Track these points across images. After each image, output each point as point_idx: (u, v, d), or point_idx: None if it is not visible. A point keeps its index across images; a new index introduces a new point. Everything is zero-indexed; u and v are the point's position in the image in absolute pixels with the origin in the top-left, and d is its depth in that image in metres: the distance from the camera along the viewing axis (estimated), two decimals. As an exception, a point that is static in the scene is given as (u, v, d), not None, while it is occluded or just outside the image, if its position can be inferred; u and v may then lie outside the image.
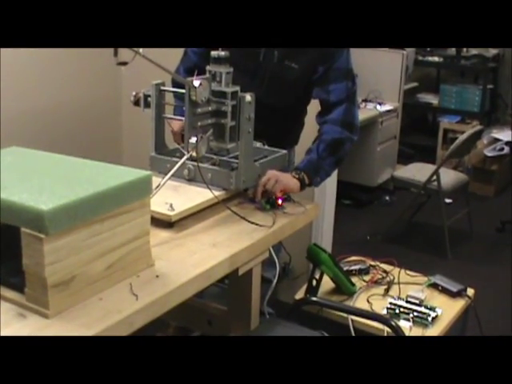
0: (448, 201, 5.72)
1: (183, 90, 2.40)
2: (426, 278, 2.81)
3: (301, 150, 2.86)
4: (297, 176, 2.59)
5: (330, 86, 2.72)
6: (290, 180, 2.56)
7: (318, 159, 2.67)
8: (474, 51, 7.45)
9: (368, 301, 2.63)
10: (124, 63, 2.07)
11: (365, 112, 5.79)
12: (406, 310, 2.55)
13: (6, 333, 1.57)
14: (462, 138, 5.34)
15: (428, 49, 7.56)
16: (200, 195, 2.39)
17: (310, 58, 2.68)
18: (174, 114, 2.70)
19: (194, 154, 2.38)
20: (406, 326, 2.50)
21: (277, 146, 2.70)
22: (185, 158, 2.40)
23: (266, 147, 2.70)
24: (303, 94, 2.83)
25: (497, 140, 6.66)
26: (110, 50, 2.01)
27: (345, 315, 2.52)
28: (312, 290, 2.66)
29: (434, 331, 2.51)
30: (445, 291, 2.73)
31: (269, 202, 2.46)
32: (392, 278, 2.80)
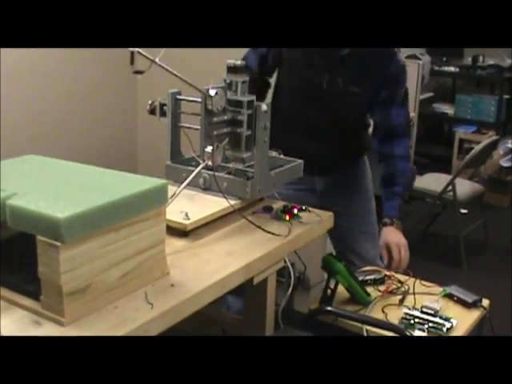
0: (463, 211, 5.70)
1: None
2: (441, 289, 2.80)
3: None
4: (400, 226, 2.89)
5: (392, 109, 2.87)
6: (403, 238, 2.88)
7: (402, 200, 2.95)
8: (490, 61, 7.43)
9: (383, 311, 2.61)
10: (140, 72, 2.07)
11: (380, 122, 5.78)
12: (421, 321, 2.53)
13: (21, 340, 1.57)
14: (477, 148, 5.33)
15: (444, 58, 7.55)
16: (215, 204, 2.39)
17: (373, 82, 2.77)
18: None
19: (210, 162, 2.38)
20: (421, 337, 2.49)
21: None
22: (200, 166, 2.41)
23: (282, 156, 2.70)
24: (367, 111, 2.91)
25: (513, 150, 6.64)
26: (127, 59, 2.02)
27: (360, 325, 2.51)
28: (327, 300, 2.65)
29: (449, 342, 2.49)
30: (460, 302, 2.71)
31: (284, 211, 2.47)
32: (407, 288, 2.79)
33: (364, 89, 2.80)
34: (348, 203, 2.98)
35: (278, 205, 2.56)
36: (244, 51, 2.70)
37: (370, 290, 2.70)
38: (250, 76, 2.85)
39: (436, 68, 7.44)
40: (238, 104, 2.43)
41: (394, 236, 2.77)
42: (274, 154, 2.65)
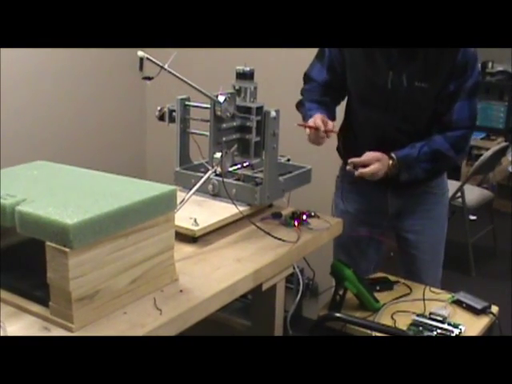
0: (472, 217, 5.69)
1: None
2: (449, 295, 2.79)
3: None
4: (392, 163, 2.68)
5: (457, 104, 2.69)
6: (382, 172, 2.66)
7: (417, 158, 2.70)
8: (499, 67, 7.41)
9: (392, 317, 2.61)
10: (149, 78, 2.08)
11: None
12: (430, 327, 2.53)
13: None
14: (486, 154, 5.32)
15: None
16: (224, 210, 2.39)
17: (442, 76, 2.62)
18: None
19: (219, 169, 2.38)
20: (430, 344, 2.48)
21: None
22: (209, 173, 2.41)
23: (291, 162, 2.70)
24: (434, 111, 2.75)
25: (522, 157, 6.62)
26: (136, 65, 2.03)
27: (368, 331, 2.51)
28: (335, 306, 2.65)
29: (458, 349, 2.48)
30: (469, 308, 2.70)
31: (293, 217, 2.47)
32: (416, 294, 2.79)
33: (431, 84, 2.63)
34: (419, 230, 2.91)
35: (286, 211, 2.56)
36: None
37: (378, 296, 2.70)
38: (316, 88, 2.87)
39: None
40: (247, 110, 2.44)
41: (379, 156, 2.65)
42: (282, 159, 2.65)
